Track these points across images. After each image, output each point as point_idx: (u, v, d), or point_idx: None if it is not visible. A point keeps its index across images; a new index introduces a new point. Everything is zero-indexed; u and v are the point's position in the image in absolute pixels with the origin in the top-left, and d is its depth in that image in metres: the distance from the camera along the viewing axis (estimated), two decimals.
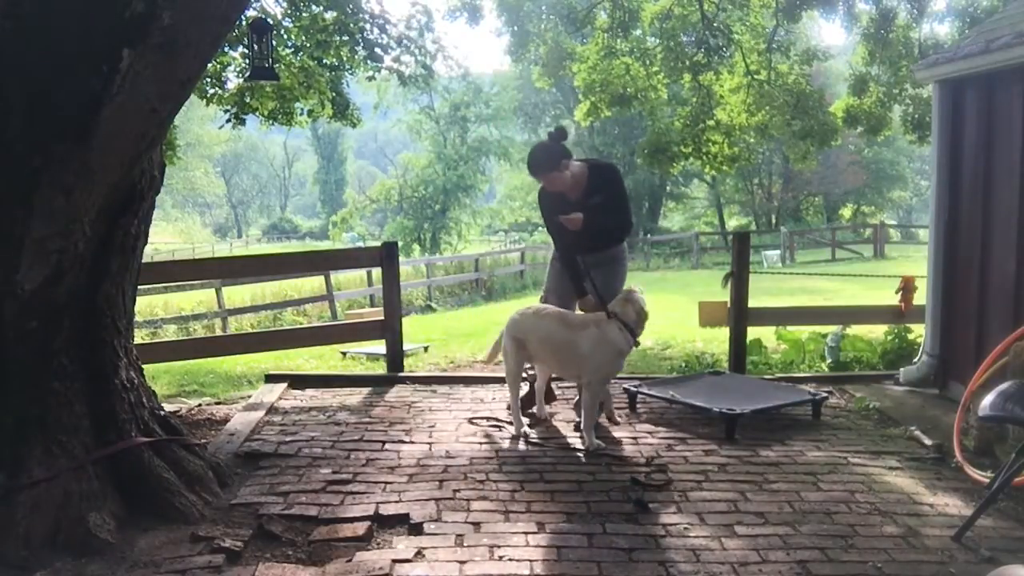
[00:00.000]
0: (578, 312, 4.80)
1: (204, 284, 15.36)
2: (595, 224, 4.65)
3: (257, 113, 9.78)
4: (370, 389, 5.88)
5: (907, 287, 6.72)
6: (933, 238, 5.67)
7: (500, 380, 6.12)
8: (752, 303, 6.53)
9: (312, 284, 18.24)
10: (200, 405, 5.76)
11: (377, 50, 9.82)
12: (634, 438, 4.66)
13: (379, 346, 6.85)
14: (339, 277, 19.12)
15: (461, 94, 39.80)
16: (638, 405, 5.28)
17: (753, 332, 6.71)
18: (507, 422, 4.85)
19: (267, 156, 71.50)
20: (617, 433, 4.75)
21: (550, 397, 5.27)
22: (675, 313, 11.90)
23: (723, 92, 12.77)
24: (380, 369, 6.87)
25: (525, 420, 4.87)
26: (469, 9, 13.91)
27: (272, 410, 5.30)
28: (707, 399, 4.98)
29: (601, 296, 4.64)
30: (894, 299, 6.87)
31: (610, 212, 4.71)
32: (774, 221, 38.99)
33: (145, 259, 4.09)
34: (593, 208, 4.65)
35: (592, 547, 3.22)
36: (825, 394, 5.31)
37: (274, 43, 8.30)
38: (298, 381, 6.16)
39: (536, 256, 27.98)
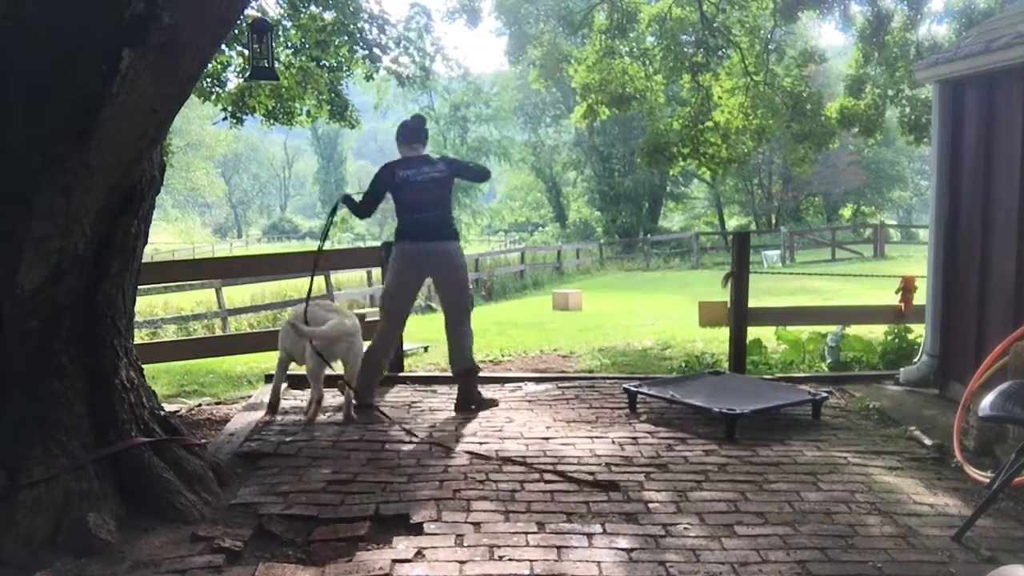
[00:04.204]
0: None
1: (204, 284, 15.34)
2: None
3: (256, 113, 9.78)
4: None
5: (907, 287, 6.71)
6: (933, 238, 5.67)
7: (501, 380, 6.14)
8: (752, 303, 6.52)
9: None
10: (200, 405, 5.76)
11: (376, 50, 9.83)
12: (634, 438, 4.66)
13: None
14: (339, 277, 19.09)
15: (461, 94, 39.82)
16: (638, 405, 5.28)
17: (753, 332, 6.71)
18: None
19: (267, 156, 71.52)
20: (617, 433, 4.75)
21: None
22: (675, 313, 11.91)
23: (721, 94, 12.75)
24: None
25: None
26: (468, 11, 13.92)
27: None
28: (707, 399, 4.97)
29: None
30: (894, 299, 6.86)
31: None
32: (774, 221, 38.96)
33: (145, 259, 4.09)
34: None
35: (592, 547, 3.22)
36: (825, 394, 5.30)
37: (273, 43, 8.29)
38: (298, 381, 6.14)
39: (536, 256, 27.96)
